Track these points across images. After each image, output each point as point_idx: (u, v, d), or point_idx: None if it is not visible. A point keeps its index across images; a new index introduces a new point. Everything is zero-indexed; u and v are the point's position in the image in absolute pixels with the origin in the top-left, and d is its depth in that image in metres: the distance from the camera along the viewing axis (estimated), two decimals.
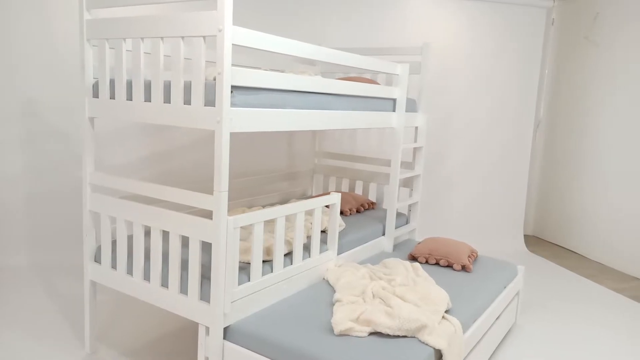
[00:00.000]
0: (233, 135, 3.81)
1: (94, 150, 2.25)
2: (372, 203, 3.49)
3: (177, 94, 1.85)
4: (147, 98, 1.98)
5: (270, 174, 3.48)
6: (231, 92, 1.76)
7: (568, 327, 2.97)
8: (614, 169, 4.23)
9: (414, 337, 1.85)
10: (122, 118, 2.04)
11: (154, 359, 2.34)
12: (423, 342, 1.82)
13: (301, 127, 2.12)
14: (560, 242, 4.84)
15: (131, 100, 2.02)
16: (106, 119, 2.11)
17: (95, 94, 2.17)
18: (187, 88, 1.85)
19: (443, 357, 1.82)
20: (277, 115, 1.97)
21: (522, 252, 4.51)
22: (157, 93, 1.91)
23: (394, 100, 2.93)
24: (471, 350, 2.16)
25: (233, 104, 1.77)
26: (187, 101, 1.85)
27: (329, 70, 3.67)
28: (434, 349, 1.81)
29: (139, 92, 1.97)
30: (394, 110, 2.93)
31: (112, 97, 2.10)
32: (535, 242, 4.95)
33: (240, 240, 2.36)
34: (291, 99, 2.06)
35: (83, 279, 3.21)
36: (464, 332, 2.08)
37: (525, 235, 5.14)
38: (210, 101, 1.77)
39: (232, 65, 1.93)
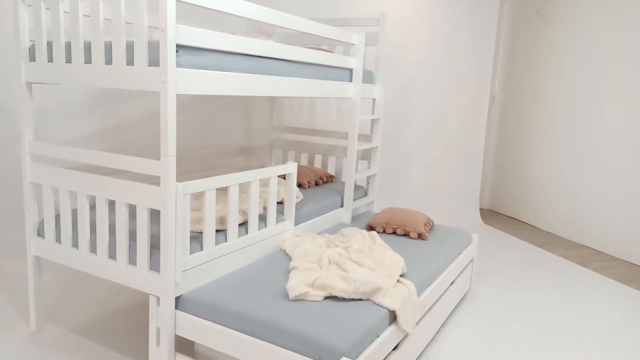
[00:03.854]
0: (187, 106, 3.69)
1: (33, 118, 2.12)
2: (331, 176, 3.47)
3: (119, 54, 1.75)
4: (88, 60, 1.87)
5: (227, 147, 3.40)
6: (176, 51, 1.69)
7: (521, 292, 3.06)
8: (564, 144, 4.37)
9: (369, 299, 1.85)
10: (61, 81, 1.92)
11: (104, 335, 2.26)
12: (377, 304, 1.82)
13: (252, 93, 2.05)
14: (514, 215, 4.99)
15: (70, 62, 1.91)
16: (44, 83, 1.99)
17: (32, 58, 2.03)
18: (130, 48, 1.76)
19: (397, 318, 1.84)
20: (226, 78, 1.90)
21: (478, 224, 4.62)
22: (98, 54, 1.80)
23: (351, 70, 2.89)
24: (426, 313, 2.19)
25: (179, 64, 1.70)
26: (130, 62, 1.76)
27: (285, 42, 3.60)
28: (389, 310, 1.82)
29: (78, 53, 1.86)
30: (350, 81, 2.90)
31: (50, 60, 1.98)
32: (490, 215, 5.09)
33: (194, 210, 2.29)
34: (241, 62, 1.99)
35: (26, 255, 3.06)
36: (418, 295, 2.10)
37: (481, 209, 5.27)
38: (154, 61, 1.69)
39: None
